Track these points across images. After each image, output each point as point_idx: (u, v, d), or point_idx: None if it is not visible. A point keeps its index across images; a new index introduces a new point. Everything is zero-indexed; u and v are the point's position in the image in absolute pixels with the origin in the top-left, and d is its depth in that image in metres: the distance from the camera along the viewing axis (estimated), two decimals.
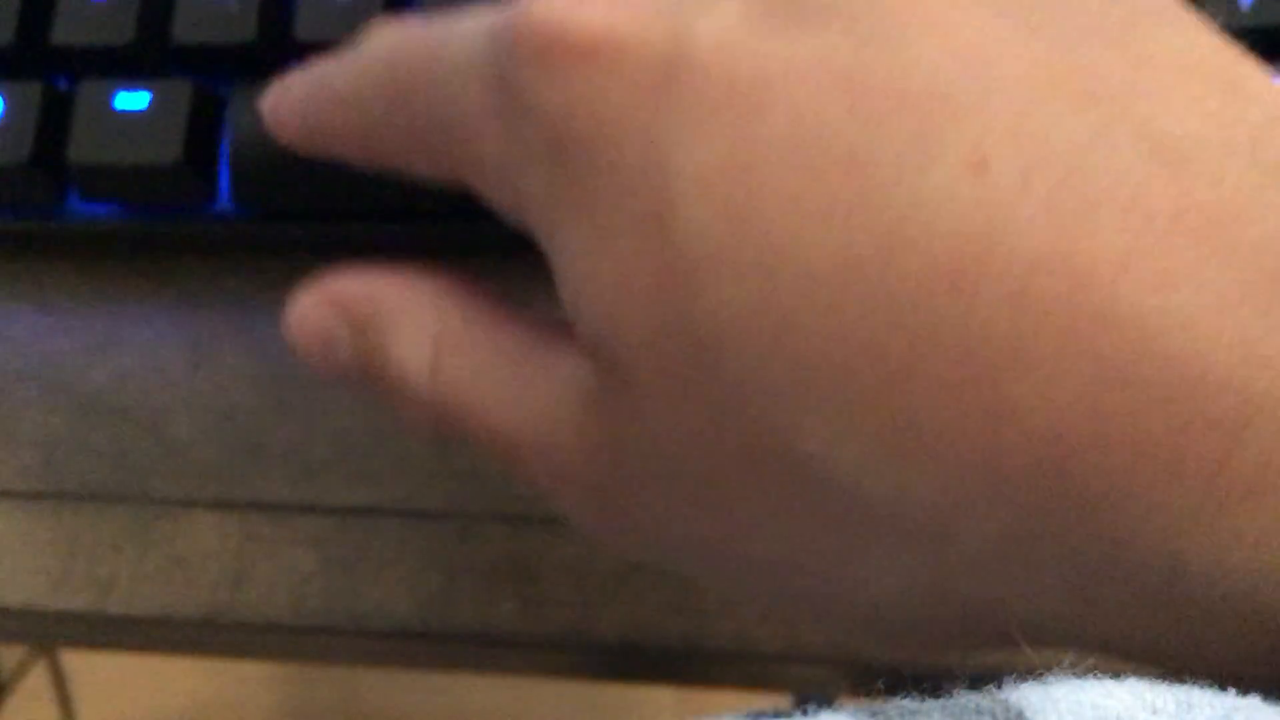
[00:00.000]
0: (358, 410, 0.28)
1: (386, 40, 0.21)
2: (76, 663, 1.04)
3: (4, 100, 0.28)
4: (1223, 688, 0.14)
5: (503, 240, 0.28)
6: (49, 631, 0.30)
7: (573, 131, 0.17)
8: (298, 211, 0.28)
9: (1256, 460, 0.14)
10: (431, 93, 0.19)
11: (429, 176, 0.21)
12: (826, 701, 0.16)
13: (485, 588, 0.27)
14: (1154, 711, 0.13)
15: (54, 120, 0.28)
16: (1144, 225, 0.14)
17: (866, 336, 0.15)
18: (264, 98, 0.23)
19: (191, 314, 0.29)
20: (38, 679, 1.00)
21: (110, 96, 0.27)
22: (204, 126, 0.27)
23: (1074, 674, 0.14)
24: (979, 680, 0.14)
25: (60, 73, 0.29)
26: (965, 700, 0.14)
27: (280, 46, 0.28)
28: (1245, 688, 0.14)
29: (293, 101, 0.23)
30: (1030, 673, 0.14)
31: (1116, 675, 0.13)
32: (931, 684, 0.15)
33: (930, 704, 0.14)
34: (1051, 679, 0.13)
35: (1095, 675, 0.13)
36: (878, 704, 0.14)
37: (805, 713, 0.14)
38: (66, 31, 0.28)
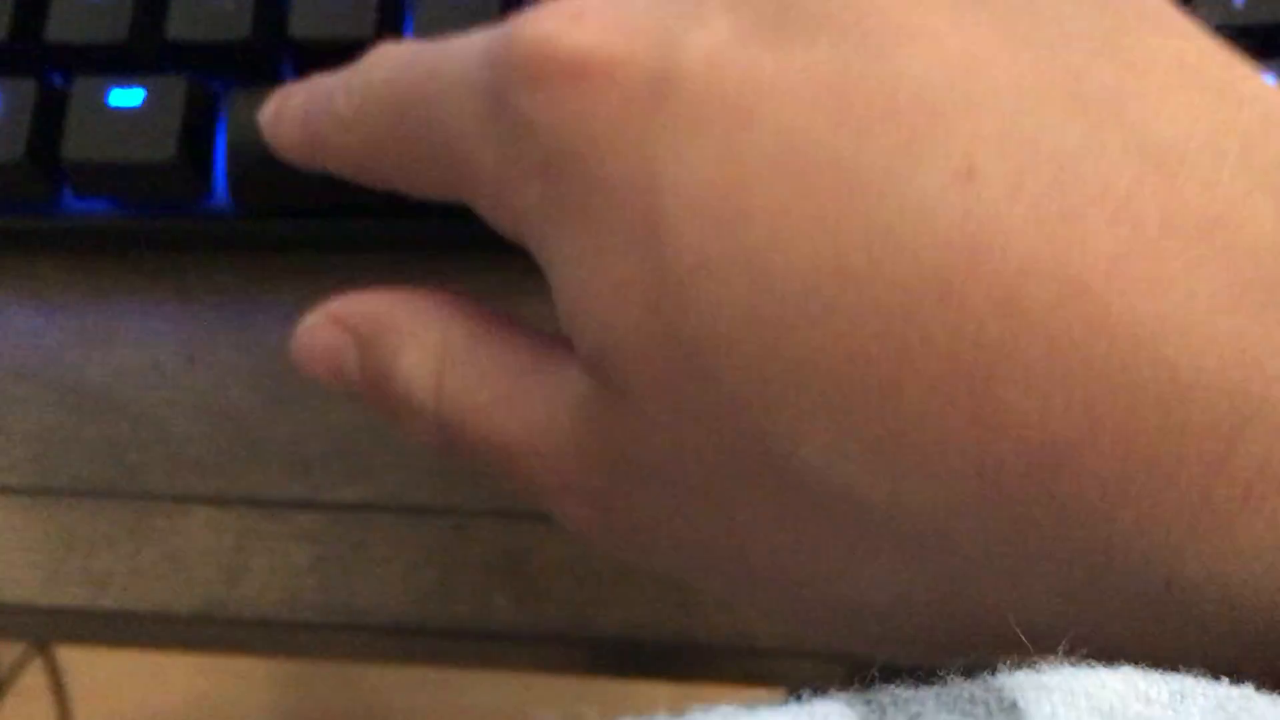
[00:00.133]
0: (353, 406, 0.28)
1: (387, 59, 0.21)
2: (73, 660, 1.03)
3: None
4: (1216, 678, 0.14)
5: (496, 237, 0.28)
6: (44, 627, 0.30)
7: (565, 148, 0.17)
8: (294, 208, 0.28)
9: (1252, 465, 0.14)
10: (429, 111, 0.20)
11: (427, 195, 0.21)
12: (821, 696, 0.16)
13: (481, 583, 0.27)
14: (1147, 701, 0.13)
15: (49, 117, 0.28)
16: (1134, 230, 0.14)
17: (857, 345, 0.15)
18: (263, 110, 0.24)
19: (186, 310, 0.29)
20: (34, 677, 1.00)
21: (105, 93, 0.27)
22: (198, 123, 0.27)
23: (1068, 662, 0.14)
24: (973, 668, 0.14)
25: (55, 69, 0.29)
26: (959, 689, 0.14)
27: (275, 44, 0.28)
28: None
29: (292, 116, 0.23)
30: (1024, 662, 0.14)
31: (1110, 662, 0.13)
32: (926, 671, 0.15)
33: (924, 692, 0.14)
34: (1045, 667, 0.13)
35: (1089, 663, 0.13)
36: (871, 691, 0.14)
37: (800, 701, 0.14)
38: (61, 28, 0.28)
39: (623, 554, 0.20)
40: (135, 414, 0.29)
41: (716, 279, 0.16)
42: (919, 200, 0.15)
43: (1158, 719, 0.13)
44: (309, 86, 0.23)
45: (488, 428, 0.20)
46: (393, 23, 0.28)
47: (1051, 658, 0.14)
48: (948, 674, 0.14)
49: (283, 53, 0.28)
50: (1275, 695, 0.13)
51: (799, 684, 0.29)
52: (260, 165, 0.27)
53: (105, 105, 0.27)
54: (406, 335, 0.21)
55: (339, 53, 0.27)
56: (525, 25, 0.18)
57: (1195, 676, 0.13)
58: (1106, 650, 0.16)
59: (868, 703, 0.14)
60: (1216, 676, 0.14)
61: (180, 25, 0.28)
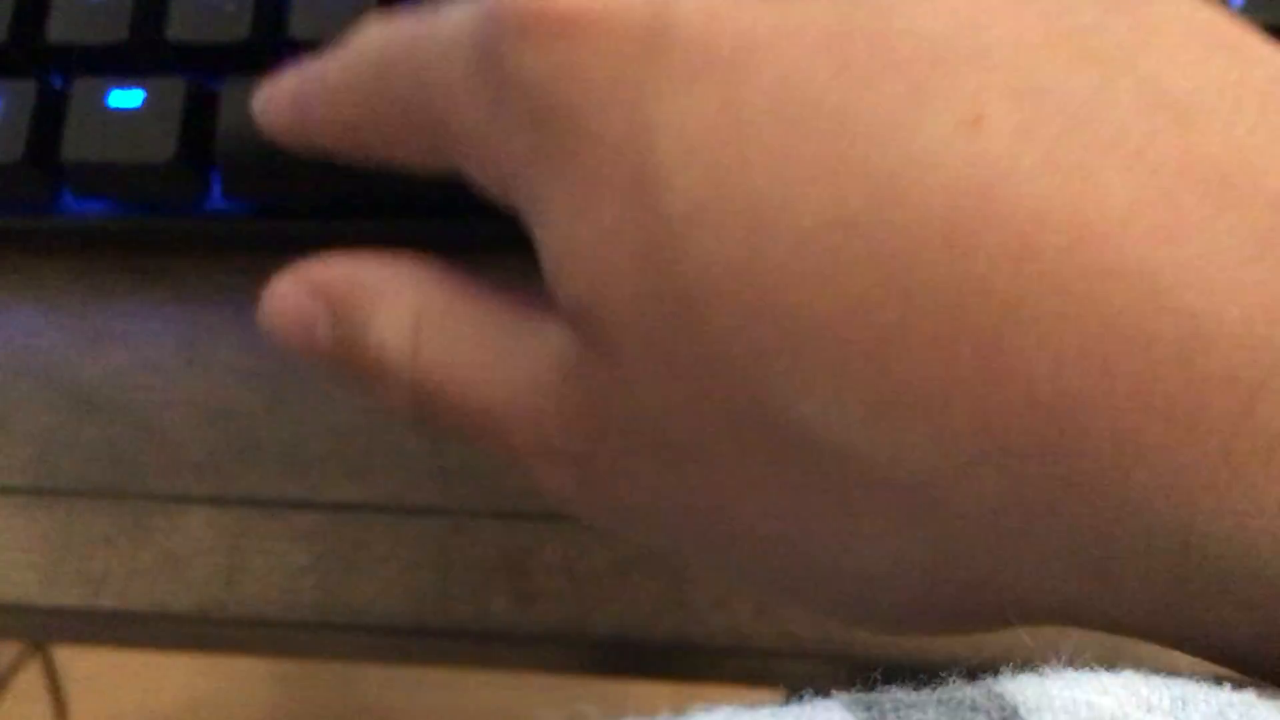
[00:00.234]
0: (351, 406, 0.28)
1: (375, 32, 0.21)
2: (70, 661, 1.03)
3: None
4: (1233, 665, 0.14)
5: (493, 237, 0.28)
6: (42, 627, 0.30)
7: (556, 100, 0.17)
8: (289, 205, 0.28)
9: (1276, 419, 0.13)
10: (417, 76, 0.19)
11: (417, 165, 0.21)
12: (821, 697, 0.16)
13: (479, 583, 0.27)
14: (1149, 709, 0.12)
15: (48, 118, 0.28)
16: (1150, 178, 0.14)
17: (858, 294, 0.15)
18: (256, 97, 0.23)
19: (185, 310, 0.30)
20: (31, 677, 1.00)
21: (104, 94, 0.27)
22: (198, 124, 0.27)
23: (1069, 666, 0.13)
24: (975, 670, 0.14)
25: (55, 71, 0.29)
26: (960, 693, 0.13)
27: (274, 44, 0.28)
28: (1256, 668, 0.14)
29: (283, 97, 0.23)
30: (1026, 664, 0.14)
31: (1112, 666, 0.13)
32: (928, 676, 0.15)
33: (925, 696, 0.13)
34: (1047, 672, 0.13)
35: (1091, 667, 0.13)
36: (871, 694, 0.14)
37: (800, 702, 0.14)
38: (61, 29, 0.28)
39: (606, 521, 0.20)
40: (133, 414, 0.29)
41: (711, 228, 0.15)
42: (925, 147, 0.14)
43: None
44: (299, 67, 0.23)
45: (465, 390, 0.19)
46: None
47: (1054, 661, 0.13)
48: (949, 677, 0.14)
49: (282, 54, 0.28)
50: (1277, 701, 0.13)
51: (797, 684, 0.29)
52: (255, 162, 0.27)
53: (105, 106, 0.27)
54: (380, 298, 0.20)
55: None
56: None
57: (1198, 682, 0.13)
58: (1118, 621, 0.15)
59: (868, 707, 0.13)
60: (1237, 652, 0.14)
61: (180, 26, 0.28)
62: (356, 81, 0.21)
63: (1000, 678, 0.13)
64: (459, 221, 0.28)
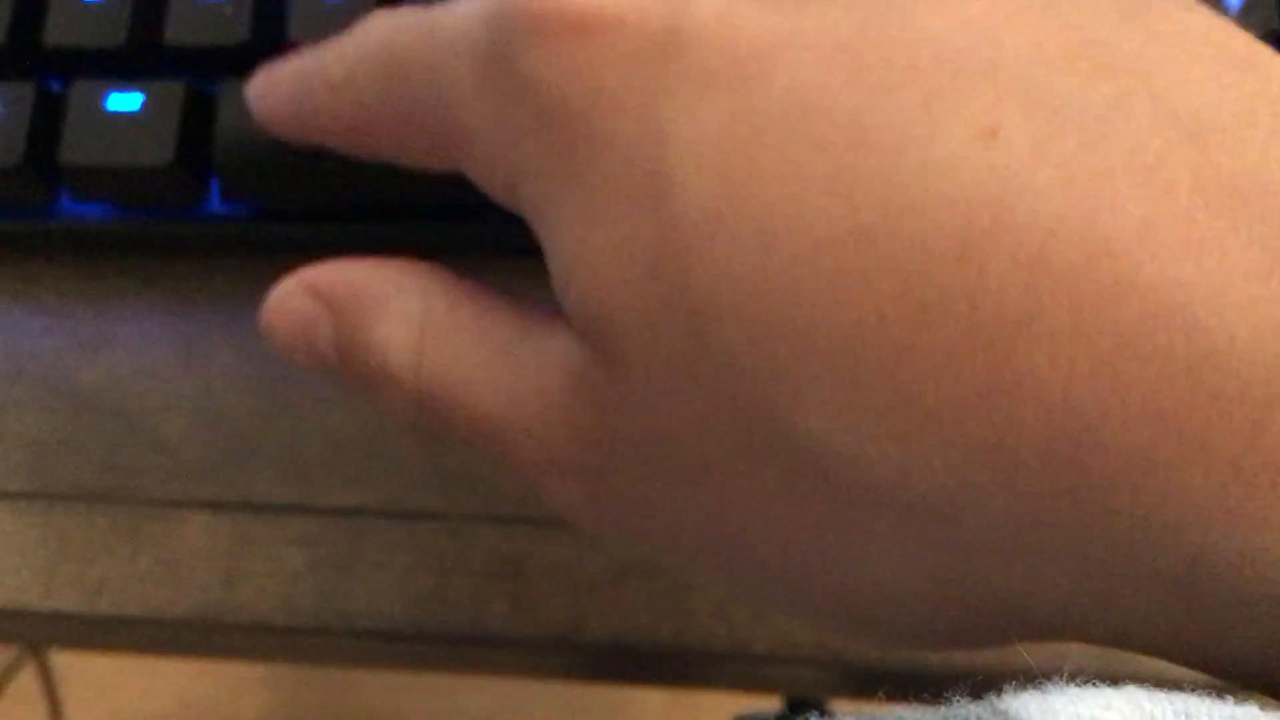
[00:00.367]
0: (349, 411, 0.28)
1: (380, 25, 0.20)
2: (66, 664, 1.03)
3: None
4: (1239, 681, 0.14)
5: (493, 239, 0.28)
6: (39, 632, 0.30)
7: (568, 104, 0.17)
8: (287, 209, 0.28)
9: None
10: (425, 74, 0.19)
11: (421, 163, 0.21)
12: (817, 702, 0.16)
13: (476, 588, 0.27)
14: None
15: (47, 121, 0.28)
16: (1165, 194, 0.14)
17: (869, 307, 0.14)
18: (251, 85, 0.23)
19: (183, 314, 0.29)
20: (28, 680, 1.00)
21: (103, 98, 0.27)
22: (196, 128, 0.27)
23: (1073, 682, 0.13)
24: (980, 688, 0.14)
25: (53, 74, 0.29)
26: (964, 711, 0.13)
27: (273, 48, 0.28)
28: (1262, 683, 0.14)
29: (282, 89, 0.22)
30: (1028, 680, 0.14)
31: (1115, 682, 0.13)
32: (932, 691, 0.15)
33: (928, 714, 0.13)
34: (1050, 687, 0.13)
35: (1094, 683, 0.13)
36: (873, 710, 0.14)
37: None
38: (59, 33, 0.28)
39: (614, 535, 0.19)
40: (131, 418, 0.29)
41: (723, 237, 0.15)
42: (939, 159, 0.14)
43: None
44: (298, 57, 0.22)
45: (471, 401, 0.19)
46: None
47: (1057, 677, 0.13)
48: (953, 695, 0.14)
49: (281, 57, 0.28)
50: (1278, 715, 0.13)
51: (792, 689, 0.29)
52: (252, 164, 0.27)
53: (103, 109, 0.27)
54: (385, 303, 0.20)
55: None
56: None
57: (1200, 696, 0.13)
58: (1125, 637, 0.15)
59: None
60: (1245, 670, 0.14)
61: (179, 29, 0.28)
62: (361, 77, 0.20)
63: (1004, 695, 0.13)
64: (458, 224, 0.28)
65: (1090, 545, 0.14)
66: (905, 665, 0.26)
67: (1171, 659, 0.15)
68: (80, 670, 1.06)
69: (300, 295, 0.21)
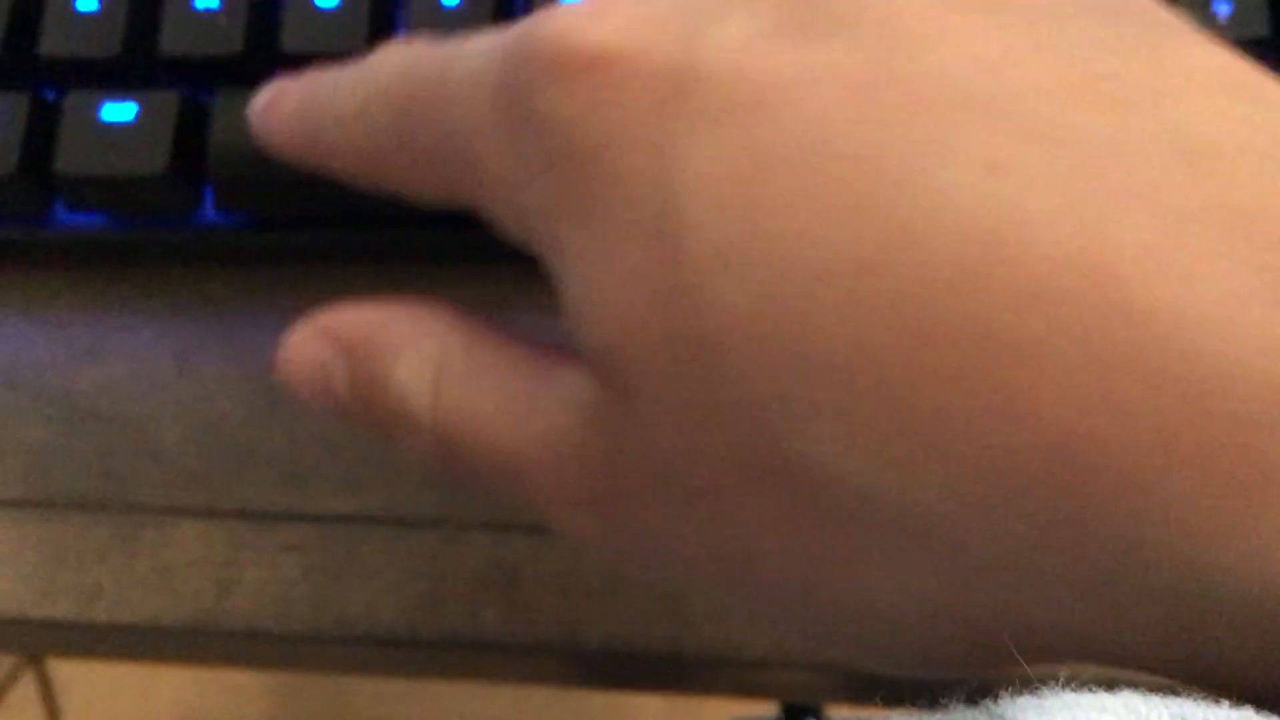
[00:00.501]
0: None
1: (394, 58, 0.21)
2: (65, 672, 1.03)
3: None
4: (1241, 698, 0.14)
5: (487, 247, 0.28)
6: (36, 640, 0.30)
7: (580, 141, 0.17)
8: (281, 218, 0.28)
9: None
10: (438, 109, 0.19)
11: (429, 198, 0.21)
12: (813, 707, 0.16)
13: (471, 595, 0.27)
14: None
15: (41, 131, 0.28)
16: (1165, 221, 0.14)
17: (873, 337, 0.15)
18: (253, 105, 0.23)
19: (177, 322, 0.30)
20: (26, 688, 1.00)
21: (97, 108, 0.27)
22: (191, 138, 0.28)
23: (1069, 687, 0.13)
24: (975, 693, 0.14)
25: (47, 84, 0.29)
26: (960, 716, 0.13)
27: (267, 58, 0.28)
28: (1265, 699, 0.13)
29: (288, 112, 0.22)
30: (1025, 685, 0.14)
31: (1111, 687, 0.13)
32: (929, 697, 0.15)
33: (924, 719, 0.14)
34: (1046, 692, 0.13)
35: (1090, 688, 0.13)
36: (869, 716, 0.14)
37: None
38: (54, 43, 0.28)
39: (627, 565, 0.20)
40: (126, 426, 0.29)
41: (731, 272, 0.15)
42: (941, 192, 0.15)
43: None
44: (305, 81, 0.22)
45: (487, 440, 0.19)
46: (384, 36, 0.28)
47: (1053, 682, 0.13)
48: (950, 700, 0.14)
49: (275, 67, 0.28)
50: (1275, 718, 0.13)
51: (788, 695, 0.29)
52: (247, 174, 0.27)
53: (98, 119, 0.27)
54: (400, 345, 0.20)
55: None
56: (545, 20, 0.17)
57: (1195, 700, 0.13)
58: (1127, 656, 0.15)
59: None
60: (1251, 691, 0.14)
61: (173, 40, 0.28)
62: (374, 109, 0.20)
63: (1000, 700, 0.13)
64: (451, 232, 0.28)
65: (1093, 567, 0.14)
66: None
67: (1174, 677, 0.15)
68: (78, 679, 1.05)
69: (314, 340, 0.21)
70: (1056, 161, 0.14)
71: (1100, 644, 0.15)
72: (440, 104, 0.19)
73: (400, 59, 0.20)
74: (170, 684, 1.09)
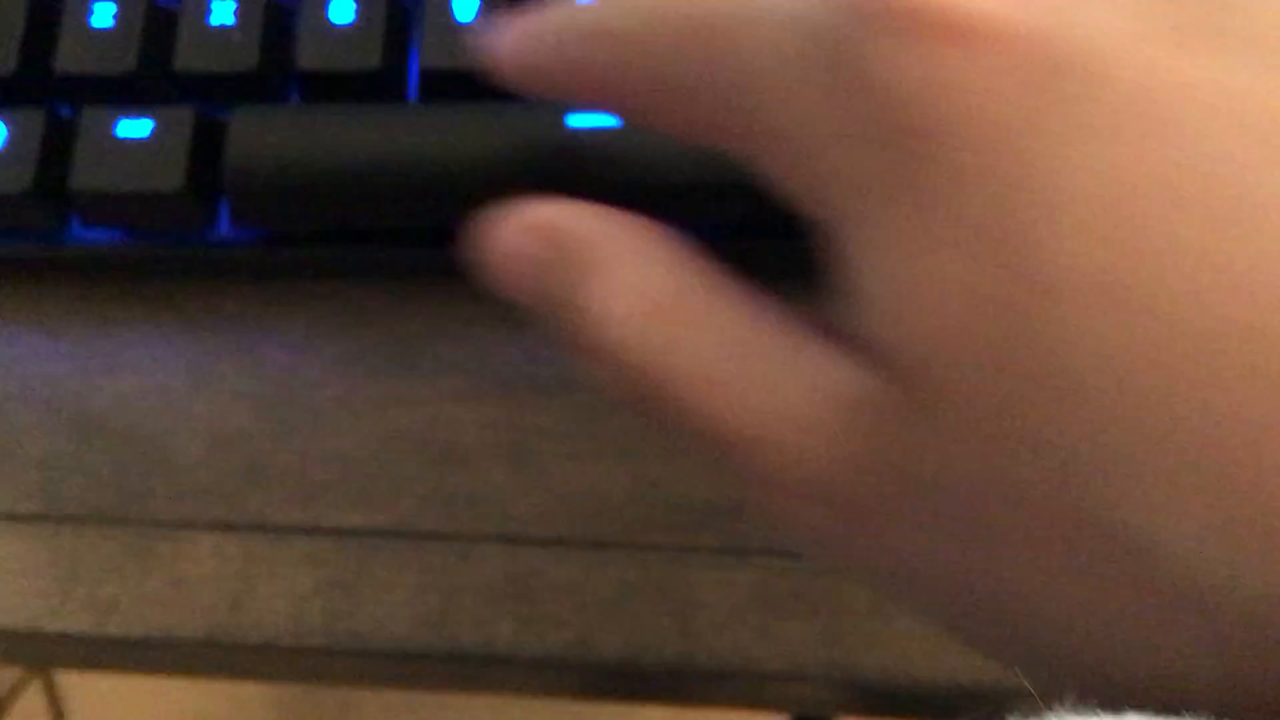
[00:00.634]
0: (356, 432, 0.29)
1: None
2: (71, 680, 1.03)
3: (7, 128, 0.28)
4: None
5: None
6: (49, 653, 0.30)
7: (925, 117, 0.15)
8: (296, 234, 0.28)
9: None
10: (732, 41, 0.17)
11: (683, 134, 0.19)
12: None
13: (483, 608, 0.27)
14: None
15: (56, 148, 0.28)
16: None
17: (1245, 414, 0.13)
18: (483, 32, 0.21)
19: (192, 337, 0.30)
20: (33, 698, 1.00)
21: (113, 124, 0.28)
22: (206, 154, 0.28)
23: (1075, 708, 0.13)
24: (984, 715, 0.14)
25: (63, 100, 0.29)
26: None
27: (282, 74, 0.28)
28: None
29: (533, 33, 0.21)
30: (1031, 708, 0.14)
31: (1116, 708, 0.13)
32: (938, 712, 0.15)
33: None
34: (1051, 717, 0.13)
35: (1095, 711, 0.13)
36: None
37: None
38: (69, 59, 0.28)
39: (859, 571, 0.18)
40: (140, 440, 0.29)
41: (1087, 307, 0.14)
42: None
43: None
44: (561, 8, 0.20)
45: (700, 400, 0.17)
46: (398, 53, 0.28)
47: (1058, 705, 0.13)
48: (959, 718, 0.14)
49: (290, 84, 0.28)
50: None
51: (799, 708, 0.29)
52: (261, 184, 0.27)
53: (113, 136, 0.27)
54: (609, 267, 0.18)
55: (346, 83, 0.27)
56: None
57: (1201, 718, 0.13)
58: None
59: None
60: None
61: (188, 56, 0.28)
62: (650, 35, 0.18)
63: None
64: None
65: None
66: (911, 684, 0.26)
67: None
68: (85, 686, 1.05)
69: (521, 231, 0.20)
70: None
71: None
72: (735, 35, 0.17)
73: None
74: (177, 692, 1.09)
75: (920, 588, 0.17)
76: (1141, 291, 0.14)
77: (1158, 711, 0.14)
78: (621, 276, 0.18)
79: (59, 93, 0.29)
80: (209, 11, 0.28)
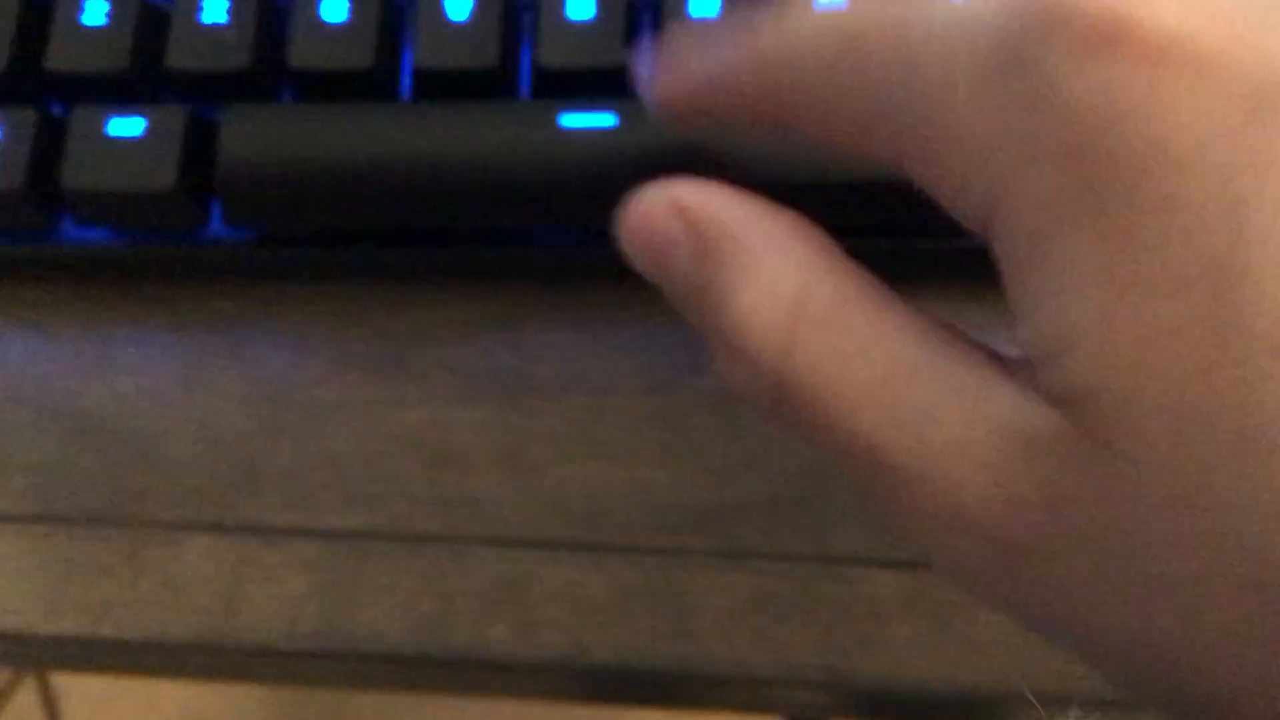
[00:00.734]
0: (350, 434, 0.28)
1: None
2: (66, 680, 1.03)
3: None
4: None
5: (498, 265, 0.28)
6: (42, 655, 0.30)
7: (1118, 142, 0.14)
8: (288, 233, 0.28)
9: None
10: (904, 56, 0.17)
11: (849, 149, 0.18)
12: None
13: (479, 611, 0.27)
14: None
15: (48, 146, 0.28)
16: None
17: None
18: (638, 58, 0.21)
19: (185, 338, 0.29)
20: (27, 696, 1.00)
21: (104, 123, 0.27)
22: (198, 153, 0.27)
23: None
24: None
25: (55, 99, 0.29)
26: None
27: (274, 73, 0.28)
28: None
29: (687, 54, 0.20)
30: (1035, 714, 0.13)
31: None
32: (936, 717, 0.14)
33: None
34: None
35: None
36: None
37: None
38: (61, 58, 0.28)
39: (1021, 613, 0.17)
40: (133, 441, 0.29)
41: None
42: None
43: None
44: (709, 25, 0.20)
45: (855, 421, 0.17)
46: (391, 53, 0.28)
47: (1060, 717, 0.13)
48: None
49: (282, 82, 0.28)
50: None
51: (795, 713, 0.29)
52: (253, 184, 0.27)
53: (105, 135, 0.27)
54: (757, 265, 0.18)
55: (339, 82, 0.27)
56: None
57: None
58: None
59: None
60: None
61: (180, 55, 0.28)
62: (801, 50, 0.18)
63: None
64: (461, 249, 0.28)
65: None
66: (907, 689, 0.26)
67: None
68: (79, 685, 1.05)
69: (667, 212, 0.19)
70: None
71: None
72: (905, 44, 0.17)
73: None
74: (172, 691, 1.09)
75: (1072, 629, 0.16)
76: None
77: None
78: (771, 275, 0.18)
79: (51, 91, 0.29)
80: (201, 10, 0.28)
